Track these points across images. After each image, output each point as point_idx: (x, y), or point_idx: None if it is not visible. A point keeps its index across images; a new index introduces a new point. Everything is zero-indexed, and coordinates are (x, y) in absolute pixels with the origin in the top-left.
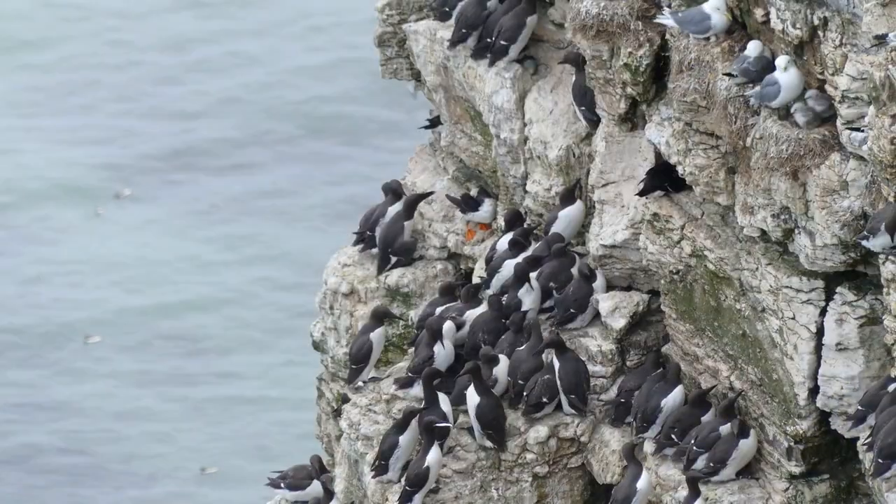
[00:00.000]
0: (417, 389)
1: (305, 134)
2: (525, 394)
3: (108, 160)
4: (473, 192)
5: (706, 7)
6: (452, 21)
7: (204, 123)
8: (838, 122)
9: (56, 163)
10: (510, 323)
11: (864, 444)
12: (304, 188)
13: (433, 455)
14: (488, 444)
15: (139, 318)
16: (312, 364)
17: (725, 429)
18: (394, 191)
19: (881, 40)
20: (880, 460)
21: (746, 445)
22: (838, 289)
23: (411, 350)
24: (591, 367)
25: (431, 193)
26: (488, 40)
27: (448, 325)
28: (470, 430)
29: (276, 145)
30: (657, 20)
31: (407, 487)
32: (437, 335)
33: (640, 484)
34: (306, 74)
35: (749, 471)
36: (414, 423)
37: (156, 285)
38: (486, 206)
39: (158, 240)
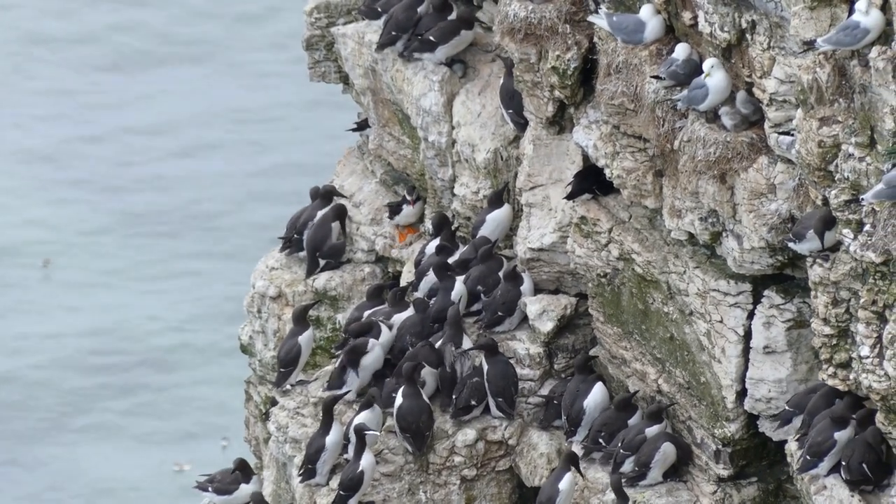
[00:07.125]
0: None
1: None
2: (454, 396)
3: None
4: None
5: (643, 14)
6: (381, 22)
7: None
8: (766, 125)
9: None
10: (448, 318)
11: (795, 441)
12: None
13: (366, 459)
14: (408, 447)
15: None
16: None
17: (651, 431)
18: (322, 195)
19: (810, 46)
20: (808, 457)
21: (670, 447)
22: (766, 292)
23: (339, 353)
24: (518, 371)
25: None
26: (418, 36)
27: (386, 333)
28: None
29: None
30: (590, 19)
31: (341, 492)
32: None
33: (562, 484)
34: None
35: (677, 474)
36: (337, 424)
37: None
38: (408, 208)
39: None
